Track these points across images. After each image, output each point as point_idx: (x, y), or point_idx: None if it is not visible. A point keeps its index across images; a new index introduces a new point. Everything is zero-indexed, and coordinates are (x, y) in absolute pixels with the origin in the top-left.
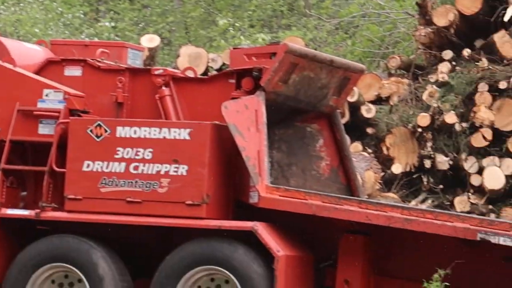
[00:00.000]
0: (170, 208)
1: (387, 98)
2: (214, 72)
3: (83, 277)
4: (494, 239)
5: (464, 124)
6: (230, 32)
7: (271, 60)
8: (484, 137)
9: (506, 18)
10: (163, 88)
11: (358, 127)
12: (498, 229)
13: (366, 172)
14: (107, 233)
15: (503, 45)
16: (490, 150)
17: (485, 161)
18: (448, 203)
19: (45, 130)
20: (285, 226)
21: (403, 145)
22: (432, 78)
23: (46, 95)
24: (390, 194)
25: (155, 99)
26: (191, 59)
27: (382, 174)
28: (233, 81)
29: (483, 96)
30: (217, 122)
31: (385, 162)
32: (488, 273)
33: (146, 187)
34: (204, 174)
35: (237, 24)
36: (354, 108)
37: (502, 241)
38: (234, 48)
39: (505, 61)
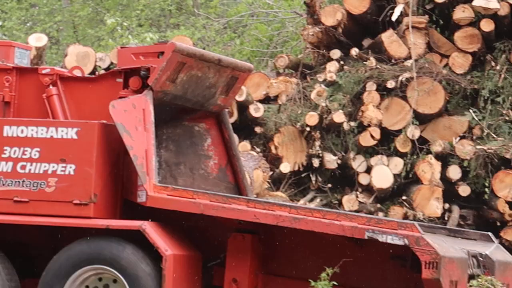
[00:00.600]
0: (58, 208)
1: (276, 97)
2: (102, 72)
3: None
4: (381, 238)
5: (352, 123)
6: (118, 31)
7: (159, 59)
8: (372, 136)
9: (393, 18)
10: (51, 87)
11: (246, 126)
12: (385, 228)
13: (255, 171)
14: None
15: (390, 45)
16: (378, 149)
17: (373, 160)
18: (337, 202)
19: None
20: (174, 225)
21: (291, 144)
22: (320, 77)
23: None
24: (279, 193)
25: (42, 98)
26: (79, 58)
27: (271, 173)
28: (120, 80)
29: (371, 95)
30: (104, 121)
31: (274, 161)
32: (375, 272)
33: (34, 186)
34: (92, 174)
35: (125, 24)
36: (243, 107)
37: (389, 239)
38: (121, 47)
39: (392, 61)
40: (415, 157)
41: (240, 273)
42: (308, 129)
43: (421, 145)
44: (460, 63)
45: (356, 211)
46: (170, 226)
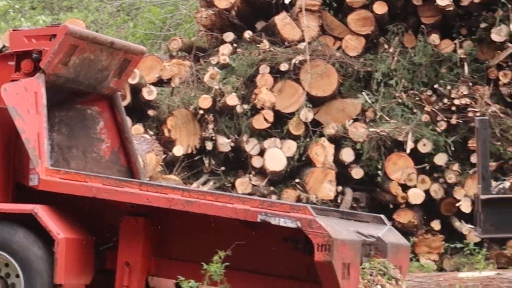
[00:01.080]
0: None
1: (169, 80)
2: None
3: None
4: (274, 221)
5: (246, 106)
6: (10, 14)
7: (51, 42)
8: (265, 119)
9: (286, 1)
10: None
11: (139, 109)
12: (278, 211)
13: (148, 155)
14: None
15: (284, 27)
16: (272, 132)
17: (266, 143)
18: (230, 185)
19: None
20: (67, 208)
21: (184, 127)
22: (214, 60)
23: None
24: (172, 176)
25: None
26: None
27: (164, 156)
28: (12, 63)
29: (264, 78)
30: None
31: (167, 144)
32: (269, 254)
33: None
34: None
35: (17, 6)
36: (136, 90)
37: (282, 222)
38: (14, 30)
39: (286, 43)
40: (308, 140)
41: (133, 257)
42: (201, 112)
43: (314, 128)
44: (353, 45)
45: (249, 194)
46: (63, 210)
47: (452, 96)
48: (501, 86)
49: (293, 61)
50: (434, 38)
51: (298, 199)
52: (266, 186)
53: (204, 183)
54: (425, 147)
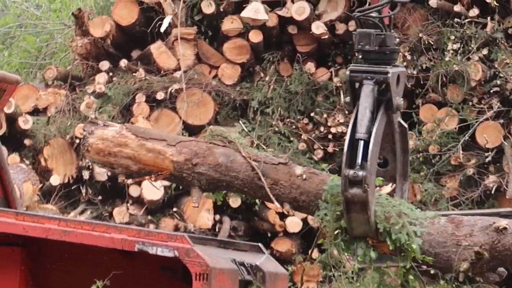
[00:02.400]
0: None
1: (45, 109)
2: None
3: None
4: (152, 250)
5: None
6: None
7: None
8: None
9: (162, 29)
10: None
11: (15, 138)
12: (156, 240)
13: (24, 184)
14: None
15: (159, 56)
16: None
17: None
18: (107, 214)
19: None
20: None
21: (61, 157)
22: (90, 88)
23: None
24: (49, 206)
25: None
26: None
27: (41, 185)
28: None
29: (140, 106)
30: None
31: (44, 173)
32: (148, 283)
33: None
34: None
35: None
36: (11, 119)
37: (159, 251)
38: None
39: (162, 72)
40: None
41: (9, 287)
42: (77, 141)
43: None
44: (229, 74)
45: (127, 223)
46: None
47: (329, 124)
48: None
49: (169, 89)
50: (310, 66)
51: (176, 228)
52: (143, 215)
53: (82, 213)
54: None
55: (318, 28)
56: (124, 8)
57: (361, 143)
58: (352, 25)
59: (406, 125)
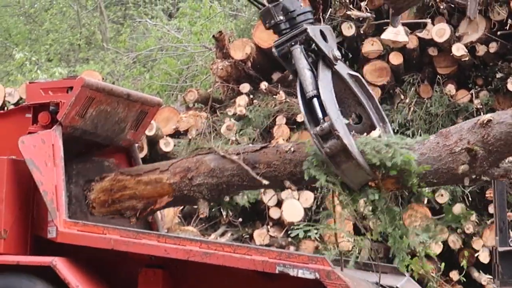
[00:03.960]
0: None
1: (186, 132)
2: (11, 107)
3: None
4: (292, 272)
5: None
6: (27, 66)
7: (68, 94)
8: None
9: None
10: None
11: (156, 160)
12: (296, 262)
13: None
14: None
15: None
16: None
17: (283, 194)
18: (248, 236)
19: None
20: (85, 260)
21: None
22: (230, 111)
23: None
24: (190, 228)
25: None
26: None
27: (181, 207)
28: (29, 115)
29: (280, 129)
30: (14, 156)
31: None
32: None
33: None
34: (1, 209)
35: (34, 58)
36: (153, 142)
37: (300, 273)
38: (30, 82)
39: None
40: (325, 190)
41: None
42: None
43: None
44: None
45: (267, 245)
46: (81, 262)
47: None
48: None
49: None
50: (450, 88)
51: (317, 250)
52: (284, 237)
53: (222, 235)
54: (442, 197)
55: (458, 50)
56: (265, 30)
57: (314, 100)
58: (493, 47)
59: (356, 73)
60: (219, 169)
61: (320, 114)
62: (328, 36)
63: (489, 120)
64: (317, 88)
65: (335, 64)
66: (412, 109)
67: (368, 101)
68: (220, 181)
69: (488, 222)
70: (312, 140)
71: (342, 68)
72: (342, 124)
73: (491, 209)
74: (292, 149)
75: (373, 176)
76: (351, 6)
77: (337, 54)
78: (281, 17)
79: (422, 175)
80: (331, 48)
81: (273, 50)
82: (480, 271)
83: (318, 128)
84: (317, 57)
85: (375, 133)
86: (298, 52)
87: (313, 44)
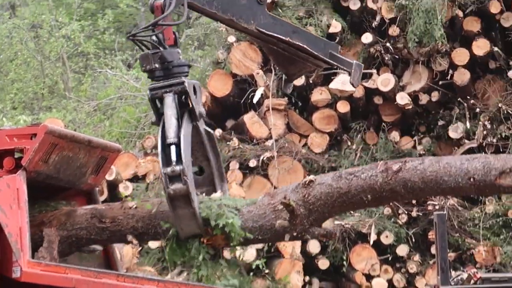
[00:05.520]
0: None
1: (144, 176)
2: None
3: None
4: None
5: None
6: None
7: (32, 141)
8: None
9: (254, 100)
10: None
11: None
12: None
13: (125, 247)
14: None
15: (252, 126)
16: None
17: None
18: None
19: None
20: None
21: None
22: None
23: None
24: (148, 268)
25: None
26: None
27: (140, 248)
28: None
29: (234, 173)
30: None
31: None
32: None
33: None
34: None
35: None
36: (113, 185)
37: None
38: None
39: (254, 141)
40: None
41: None
42: None
43: None
44: (318, 142)
45: None
46: None
47: None
48: None
49: (261, 157)
50: (395, 135)
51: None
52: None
53: (179, 274)
54: (387, 238)
55: (402, 98)
56: (219, 80)
57: (173, 147)
58: (435, 96)
59: (211, 130)
60: (70, 222)
61: (174, 157)
62: (198, 92)
63: (311, 181)
64: (178, 137)
65: (199, 120)
66: (358, 155)
67: (215, 158)
68: (70, 234)
69: (431, 262)
70: (160, 179)
71: (201, 124)
72: (191, 174)
73: (433, 250)
74: (135, 206)
75: (202, 230)
76: None
77: (203, 111)
78: (157, 65)
79: (249, 231)
80: (198, 105)
81: (148, 91)
82: None
83: (169, 169)
84: (182, 109)
85: (216, 195)
86: (170, 100)
87: (184, 97)
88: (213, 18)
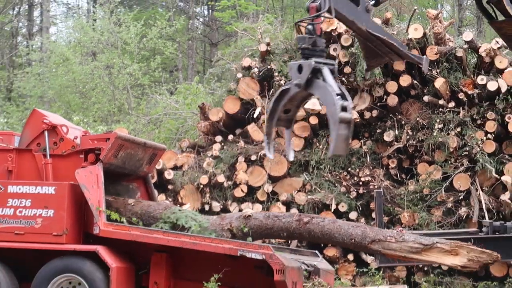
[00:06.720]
0: (43, 238)
1: (181, 166)
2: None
3: None
4: (248, 254)
5: (230, 182)
6: (80, 125)
7: (107, 143)
8: (242, 191)
9: (255, 116)
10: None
11: (162, 184)
12: (250, 248)
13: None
14: (1, 253)
15: (253, 132)
16: (246, 198)
17: (243, 206)
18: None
19: None
20: (118, 248)
21: (191, 196)
22: (209, 153)
23: None
24: None
25: (33, 168)
26: None
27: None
28: (82, 156)
29: (241, 165)
30: (72, 182)
31: (180, 207)
32: (245, 276)
33: (27, 224)
34: (64, 216)
35: (85, 120)
36: (160, 172)
37: (253, 255)
38: (83, 136)
39: (255, 143)
40: (269, 203)
41: (159, 278)
42: (201, 186)
43: (273, 196)
44: (297, 143)
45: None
46: (116, 249)
47: (360, 175)
48: (390, 169)
49: (259, 153)
50: None
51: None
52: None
53: None
54: (343, 207)
55: (353, 115)
56: (231, 103)
57: (339, 93)
58: (375, 113)
59: None
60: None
61: (347, 97)
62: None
63: (249, 215)
64: (340, 88)
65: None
66: (323, 152)
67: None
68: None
69: (372, 223)
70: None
71: None
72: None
73: (373, 215)
74: (132, 203)
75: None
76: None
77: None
78: (310, 46)
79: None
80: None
81: (312, 61)
82: (367, 254)
83: (345, 103)
84: None
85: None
86: (328, 71)
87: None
88: (341, 20)
